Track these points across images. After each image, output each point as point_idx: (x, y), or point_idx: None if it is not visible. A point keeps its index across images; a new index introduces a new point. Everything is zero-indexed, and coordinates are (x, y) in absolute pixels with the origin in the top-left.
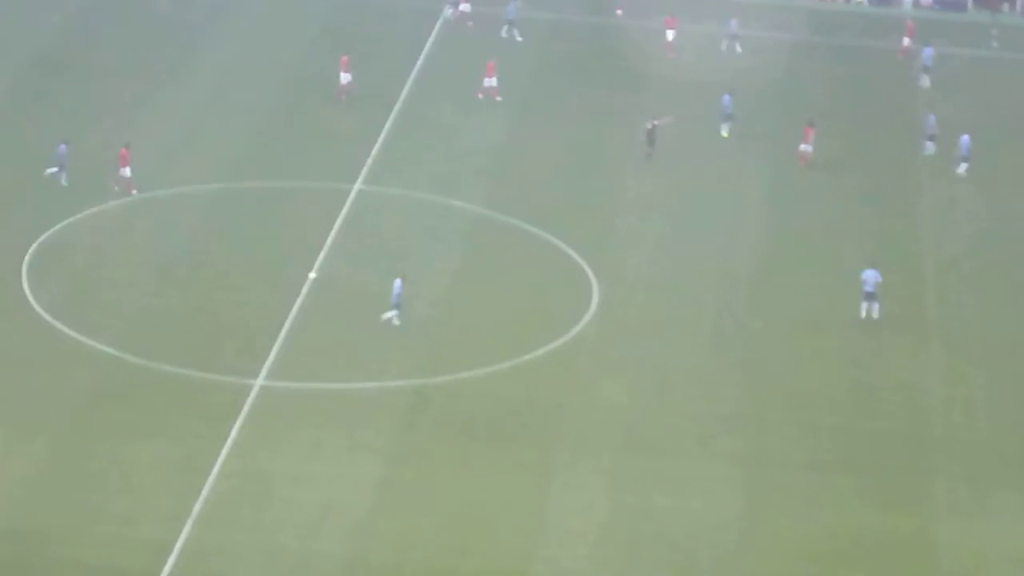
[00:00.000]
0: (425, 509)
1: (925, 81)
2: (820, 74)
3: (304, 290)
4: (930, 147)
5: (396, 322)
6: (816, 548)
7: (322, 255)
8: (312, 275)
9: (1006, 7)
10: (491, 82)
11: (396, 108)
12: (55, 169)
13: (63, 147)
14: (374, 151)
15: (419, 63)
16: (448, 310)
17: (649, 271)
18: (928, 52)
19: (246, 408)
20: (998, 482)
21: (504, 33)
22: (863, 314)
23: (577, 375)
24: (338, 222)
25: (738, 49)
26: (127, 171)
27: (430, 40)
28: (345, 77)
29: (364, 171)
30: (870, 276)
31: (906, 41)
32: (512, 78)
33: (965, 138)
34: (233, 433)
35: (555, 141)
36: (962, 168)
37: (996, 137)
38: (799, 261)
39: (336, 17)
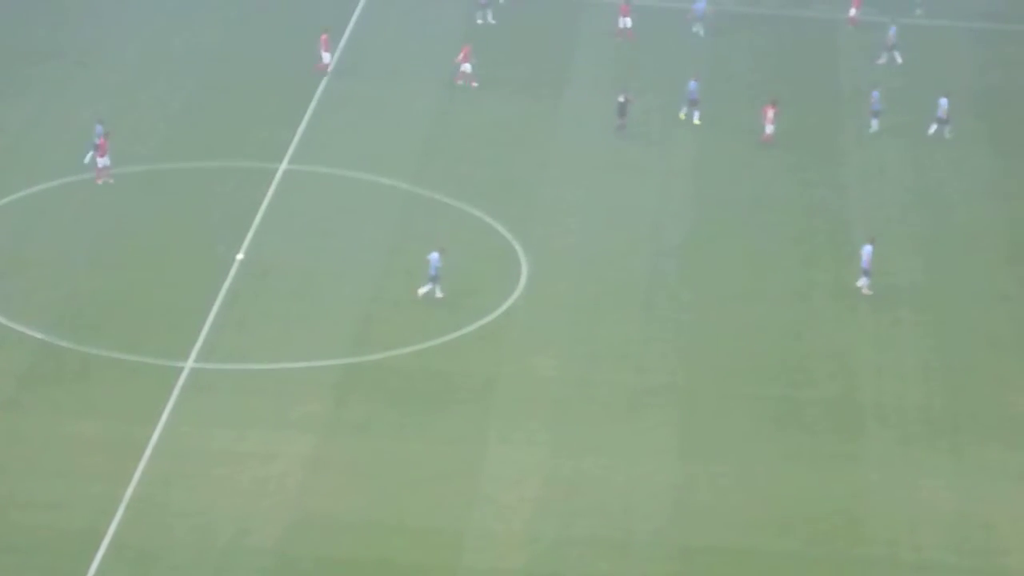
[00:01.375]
0: (358, 485)
1: (893, 58)
2: (746, 45)
3: (232, 271)
4: (875, 124)
5: (439, 294)
6: (751, 516)
7: (249, 236)
8: (240, 256)
9: None
10: (467, 68)
11: (321, 86)
12: (91, 153)
13: (99, 127)
14: (300, 130)
15: (344, 40)
16: (378, 287)
17: (578, 244)
18: (893, 30)
19: (177, 390)
20: (929, 447)
21: (479, 19)
22: (859, 285)
23: (508, 349)
24: (265, 202)
25: (700, 33)
26: (106, 160)
27: (355, 16)
28: (326, 56)
29: (290, 150)
30: (866, 251)
31: (853, 11)
32: (439, 54)
33: (943, 101)
34: (164, 415)
35: (482, 116)
36: (933, 128)
37: (921, 104)
38: (729, 233)
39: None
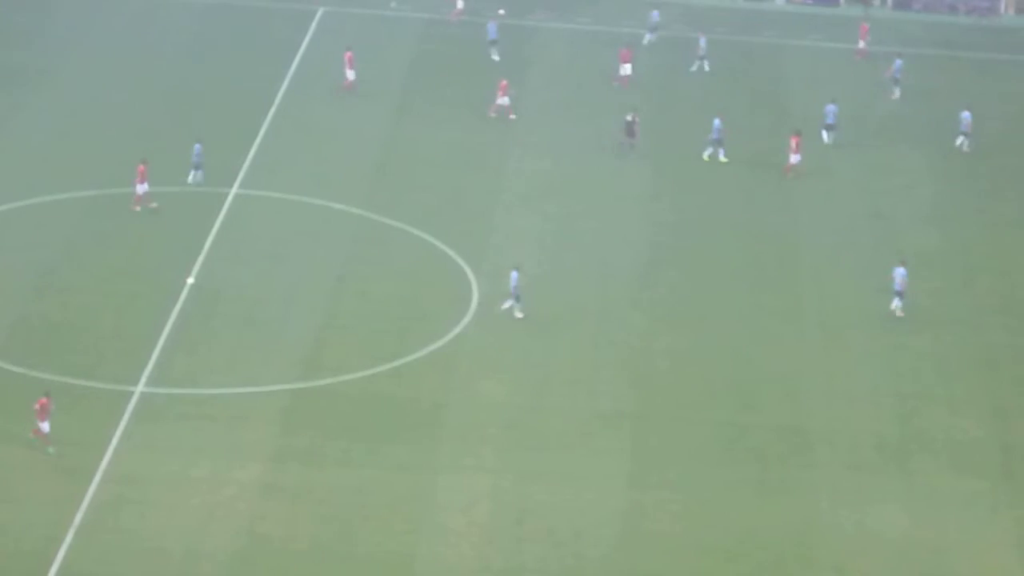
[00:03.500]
0: (308, 511)
1: (895, 93)
2: (698, 70)
3: (183, 296)
4: (826, 137)
5: (518, 314)
6: (701, 541)
7: (200, 260)
8: (190, 280)
9: (877, 2)
10: (504, 101)
11: (272, 110)
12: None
13: (198, 146)
14: (251, 154)
15: (294, 65)
16: (328, 312)
17: (529, 269)
18: (898, 64)
19: (127, 415)
20: (877, 470)
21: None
22: (893, 308)
23: (458, 375)
24: (215, 227)
25: (646, 41)
26: (144, 187)
27: (305, 41)
28: (351, 74)
29: (241, 175)
30: (899, 274)
31: (861, 44)
32: (389, 77)
33: (966, 115)
34: (114, 440)
35: (434, 141)
36: (961, 142)
37: (870, 129)
38: (680, 257)
39: (209, 19)
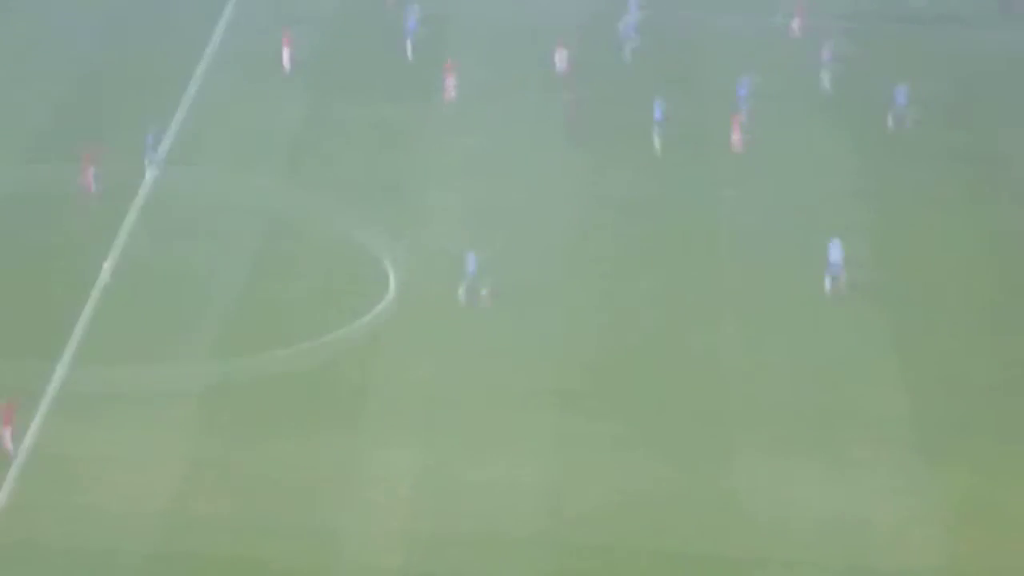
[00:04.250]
0: (231, 491)
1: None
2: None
3: (102, 276)
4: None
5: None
6: (625, 517)
7: (118, 241)
8: (106, 264)
9: None
10: (452, 82)
11: (191, 88)
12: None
13: (150, 136)
14: (170, 133)
15: (211, 45)
16: (250, 291)
17: (448, 250)
18: (901, 90)
19: (48, 395)
20: (799, 450)
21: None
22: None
23: (379, 356)
24: (133, 207)
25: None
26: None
27: (222, 21)
28: (286, 53)
29: (159, 154)
30: (834, 247)
31: (796, 20)
32: (308, 58)
33: (902, 89)
34: (36, 421)
35: (355, 119)
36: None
37: (795, 106)
38: (607, 237)
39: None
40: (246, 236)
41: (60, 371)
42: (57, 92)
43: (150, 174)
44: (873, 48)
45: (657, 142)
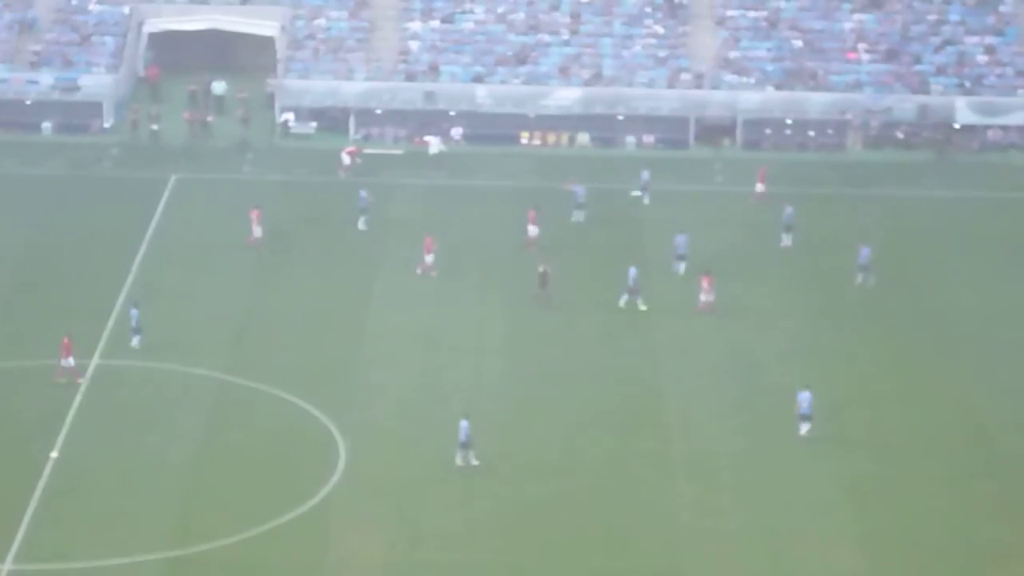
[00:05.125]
0: None
1: (868, 279)
2: (554, 219)
3: (47, 470)
4: (680, 268)
5: (474, 461)
6: None
7: (63, 434)
8: (54, 454)
9: (727, 142)
10: (430, 258)
11: (129, 279)
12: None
13: (135, 311)
14: (109, 324)
15: (150, 232)
16: (196, 480)
17: (394, 426)
18: (865, 252)
19: None
20: None
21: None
22: (802, 432)
23: (329, 535)
24: (78, 399)
25: (645, 201)
26: (70, 360)
27: (159, 208)
28: (257, 231)
29: (100, 345)
30: (804, 398)
31: (759, 187)
32: (246, 240)
33: (865, 250)
34: None
35: (293, 302)
36: (860, 279)
37: (728, 270)
38: (546, 406)
39: (63, 190)
40: (190, 424)
41: (6, 568)
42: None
43: (136, 345)
44: (828, 208)
45: (641, 304)
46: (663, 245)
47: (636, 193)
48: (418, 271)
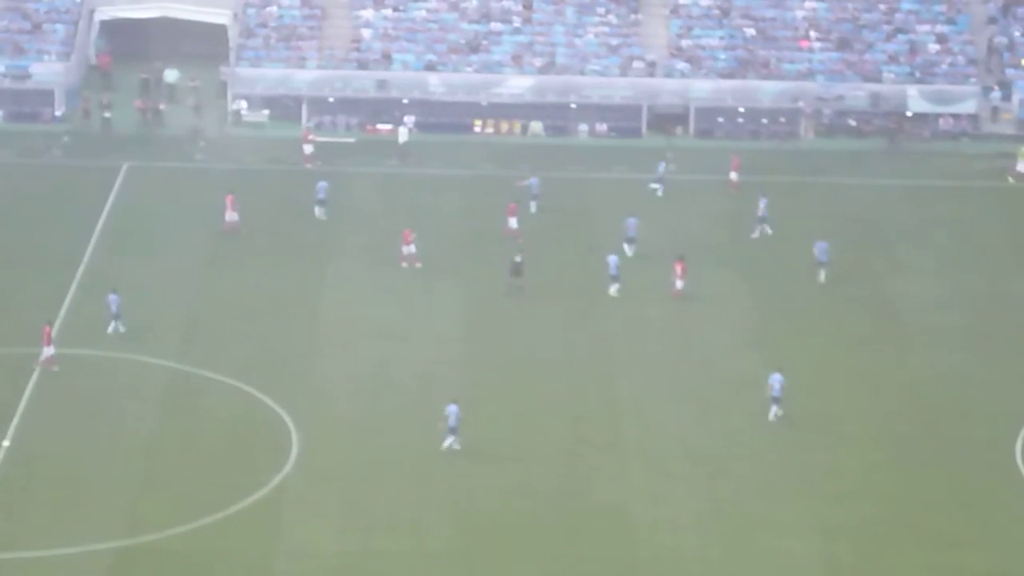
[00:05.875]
0: None
1: (760, 231)
2: (499, 205)
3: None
4: (628, 250)
5: (456, 447)
6: None
7: (15, 422)
8: (5, 443)
9: (679, 130)
10: (410, 249)
11: (81, 268)
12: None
13: (114, 296)
14: (62, 314)
15: (102, 220)
16: (148, 469)
17: (347, 414)
18: (822, 247)
19: None
20: None
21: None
22: (771, 417)
23: (282, 524)
24: (29, 388)
25: (659, 193)
26: (51, 349)
27: (111, 197)
28: (233, 215)
29: (53, 334)
30: (776, 380)
31: (733, 175)
32: (201, 230)
33: (822, 245)
34: None
35: (246, 290)
36: (821, 275)
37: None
38: (499, 395)
39: (15, 180)
40: (143, 413)
41: None
42: None
43: (112, 331)
44: (781, 196)
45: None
46: (617, 232)
47: (653, 186)
48: (403, 264)
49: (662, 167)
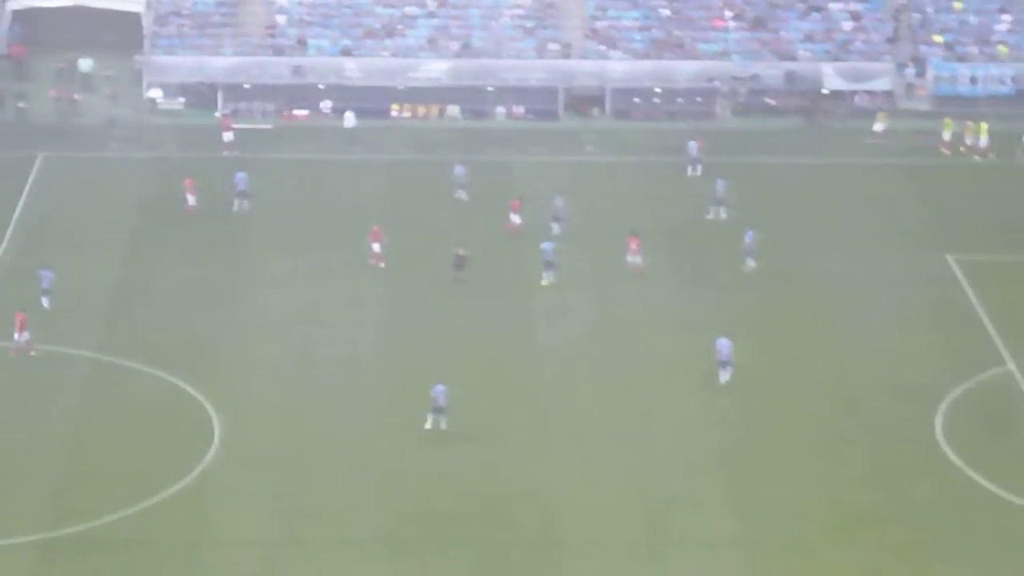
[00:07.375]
0: None
1: (716, 212)
2: (420, 190)
3: None
4: (556, 228)
5: (443, 426)
6: None
7: None
8: None
9: (596, 112)
10: (376, 248)
11: None
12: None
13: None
14: None
15: (17, 211)
16: (70, 459)
17: (269, 401)
18: (749, 235)
19: None
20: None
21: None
22: (721, 380)
23: (206, 513)
24: None
25: (697, 172)
26: (25, 335)
27: (27, 187)
28: (191, 199)
29: None
30: (724, 344)
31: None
32: (119, 219)
33: (750, 233)
34: None
35: (165, 280)
36: (750, 264)
37: (600, 239)
38: (421, 379)
39: None
40: (64, 404)
41: None
42: None
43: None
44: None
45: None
46: (542, 214)
47: (690, 170)
48: (373, 261)
49: (693, 146)
